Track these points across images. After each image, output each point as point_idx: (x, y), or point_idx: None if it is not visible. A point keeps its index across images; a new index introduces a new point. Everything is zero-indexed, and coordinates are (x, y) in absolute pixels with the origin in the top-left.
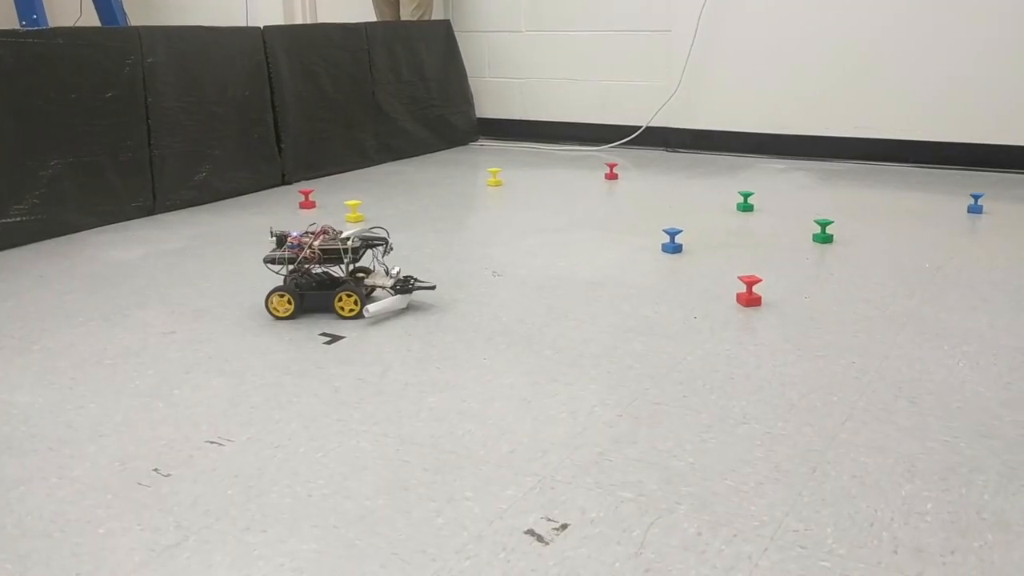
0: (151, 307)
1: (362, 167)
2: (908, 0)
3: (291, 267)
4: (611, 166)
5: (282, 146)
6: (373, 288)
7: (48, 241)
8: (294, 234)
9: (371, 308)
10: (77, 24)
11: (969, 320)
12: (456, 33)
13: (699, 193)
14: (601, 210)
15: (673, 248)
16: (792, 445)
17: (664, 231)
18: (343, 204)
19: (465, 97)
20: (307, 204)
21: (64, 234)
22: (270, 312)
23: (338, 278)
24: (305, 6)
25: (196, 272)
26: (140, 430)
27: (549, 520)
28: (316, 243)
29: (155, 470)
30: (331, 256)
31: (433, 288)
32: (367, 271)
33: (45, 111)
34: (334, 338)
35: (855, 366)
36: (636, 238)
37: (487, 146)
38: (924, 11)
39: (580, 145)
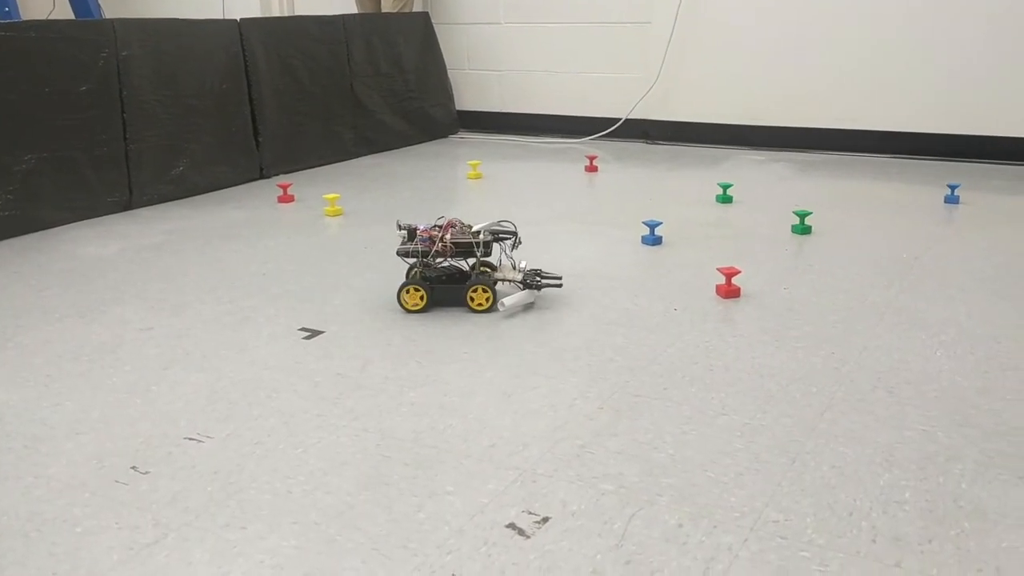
0: (128, 303)
1: (341, 160)
2: None
3: (418, 260)
4: (591, 158)
5: (260, 140)
6: (496, 282)
7: (23, 237)
8: (422, 227)
9: (507, 302)
10: (50, 17)
11: (946, 310)
12: (435, 25)
13: (679, 185)
14: (581, 202)
15: (653, 240)
16: (771, 436)
17: (644, 223)
18: (322, 198)
19: (444, 90)
20: (285, 198)
21: (39, 230)
22: (402, 305)
23: (466, 272)
24: None
25: (174, 267)
26: (117, 427)
27: (530, 513)
28: (447, 236)
29: (133, 467)
30: (463, 249)
31: (560, 284)
32: (492, 265)
33: (18, 105)
34: (313, 333)
35: (834, 357)
36: (616, 230)
37: (467, 139)
38: (902, 4)
39: (560, 137)
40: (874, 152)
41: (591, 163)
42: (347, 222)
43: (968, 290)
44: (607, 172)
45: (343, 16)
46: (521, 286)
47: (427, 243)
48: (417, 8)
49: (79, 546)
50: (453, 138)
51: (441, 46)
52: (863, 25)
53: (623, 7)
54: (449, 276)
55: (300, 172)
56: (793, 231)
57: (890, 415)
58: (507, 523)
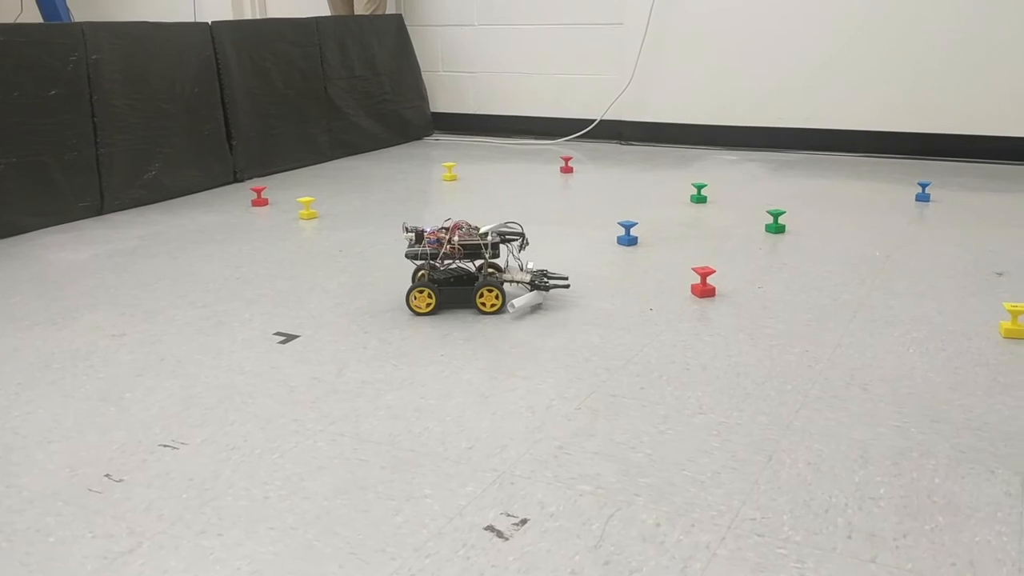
0: (101, 309)
1: (315, 163)
2: None
3: (424, 263)
4: (566, 159)
5: (233, 143)
6: (503, 283)
7: None
8: (429, 229)
9: (516, 303)
10: (18, 20)
11: (918, 307)
12: (408, 27)
13: (653, 185)
14: (556, 204)
15: (628, 240)
16: (747, 434)
17: (619, 224)
18: (296, 201)
19: (418, 91)
20: (259, 202)
21: (9, 235)
22: (411, 309)
23: (472, 273)
24: (254, 1)
25: (147, 272)
26: (90, 435)
27: (508, 515)
28: (455, 238)
29: (107, 476)
30: (471, 251)
31: (567, 285)
32: (498, 267)
33: None
34: (288, 337)
35: (808, 354)
36: (591, 231)
37: (441, 140)
38: (872, 4)
39: (534, 139)
40: (846, 151)
41: (566, 164)
42: (322, 225)
43: (939, 287)
44: (582, 173)
45: (316, 19)
46: (529, 287)
47: (435, 245)
48: (390, 10)
49: (52, 556)
50: (428, 140)
51: (415, 48)
52: (834, 25)
53: (595, 8)
54: (456, 278)
55: (274, 175)
56: (767, 230)
57: (864, 412)
58: (485, 525)
